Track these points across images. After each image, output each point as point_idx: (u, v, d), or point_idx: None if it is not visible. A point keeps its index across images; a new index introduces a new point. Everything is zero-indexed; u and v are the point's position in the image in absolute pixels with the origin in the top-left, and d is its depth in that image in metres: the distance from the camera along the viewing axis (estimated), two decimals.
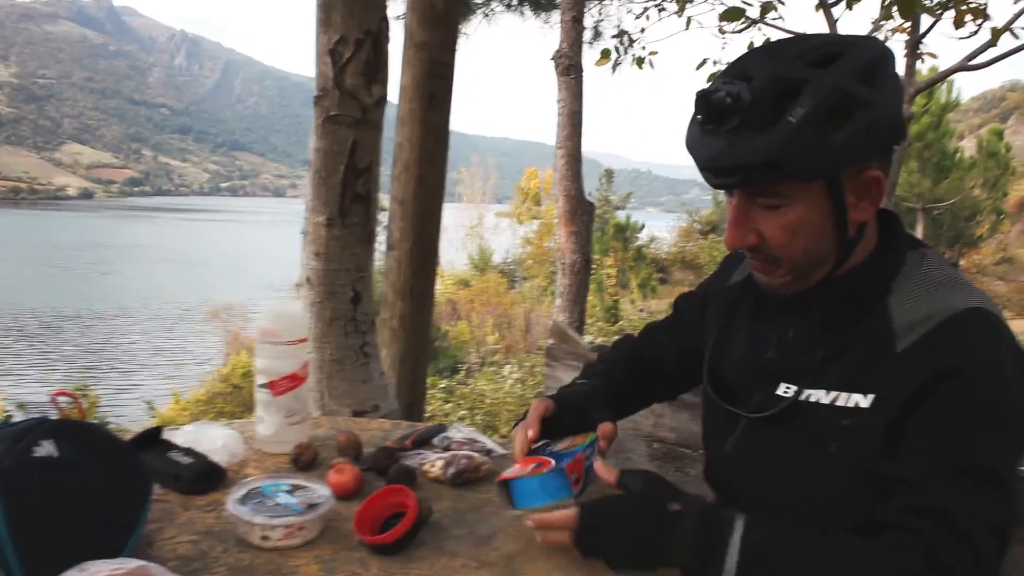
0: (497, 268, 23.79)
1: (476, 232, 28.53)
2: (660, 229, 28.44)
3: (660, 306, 17.33)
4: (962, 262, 19.42)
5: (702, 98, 1.11)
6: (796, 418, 1.20)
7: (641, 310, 15.96)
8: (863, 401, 1.13)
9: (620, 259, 19.17)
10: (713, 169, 1.13)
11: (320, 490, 1.33)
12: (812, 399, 1.19)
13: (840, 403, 1.15)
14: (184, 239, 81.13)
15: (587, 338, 11.95)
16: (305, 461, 1.54)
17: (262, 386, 1.62)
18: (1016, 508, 1.07)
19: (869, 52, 1.09)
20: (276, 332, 1.60)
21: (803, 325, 1.26)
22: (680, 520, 1.11)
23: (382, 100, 2.36)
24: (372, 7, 2.28)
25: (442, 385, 8.97)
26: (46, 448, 1.10)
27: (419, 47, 3.05)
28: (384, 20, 2.32)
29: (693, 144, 1.16)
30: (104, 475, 1.15)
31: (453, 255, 26.38)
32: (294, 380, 1.62)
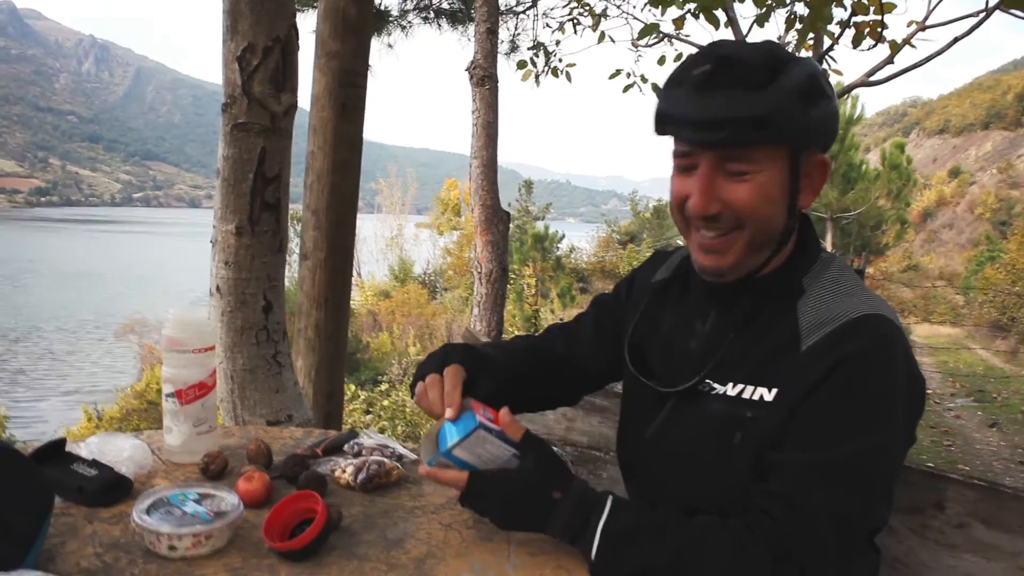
0: (418, 279, 23.70)
1: (396, 243, 28.40)
2: (579, 239, 28.76)
3: None
4: (870, 269, 20.09)
5: (707, 55, 1.18)
6: (709, 405, 1.25)
7: (561, 319, 16.03)
8: (767, 395, 1.18)
9: (539, 269, 19.30)
10: (705, 124, 1.16)
11: (229, 498, 1.32)
12: (720, 391, 1.24)
13: (746, 396, 1.21)
14: (96, 252, 78.65)
15: None
16: (214, 470, 1.52)
17: (169, 395, 1.60)
18: (883, 508, 1.13)
19: (815, 65, 1.22)
20: (182, 341, 1.58)
21: (722, 321, 1.31)
22: (557, 507, 1.19)
23: (292, 108, 2.34)
24: (280, 15, 2.25)
25: (363, 397, 8.89)
26: None
27: (331, 56, 3.04)
28: (293, 28, 2.30)
29: (678, 104, 1.19)
30: None
31: (373, 266, 26.19)
32: (202, 389, 1.60)
